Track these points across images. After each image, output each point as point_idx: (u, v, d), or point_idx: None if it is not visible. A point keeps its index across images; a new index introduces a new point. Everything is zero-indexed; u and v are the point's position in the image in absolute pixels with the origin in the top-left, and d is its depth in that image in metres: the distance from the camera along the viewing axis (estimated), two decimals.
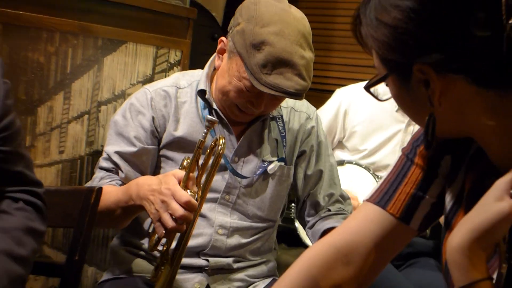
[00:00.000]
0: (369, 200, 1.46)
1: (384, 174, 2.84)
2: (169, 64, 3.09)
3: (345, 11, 3.85)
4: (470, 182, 1.33)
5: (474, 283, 1.12)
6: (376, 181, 2.91)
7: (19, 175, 1.71)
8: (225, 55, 2.20)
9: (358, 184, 2.81)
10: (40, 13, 2.53)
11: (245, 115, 2.22)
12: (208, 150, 1.95)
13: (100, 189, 2.05)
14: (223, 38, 2.22)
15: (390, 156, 2.96)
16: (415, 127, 2.90)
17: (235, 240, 2.27)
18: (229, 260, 2.26)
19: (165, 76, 2.97)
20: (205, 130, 1.92)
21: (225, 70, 2.18)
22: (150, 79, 2.98)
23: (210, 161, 1.97)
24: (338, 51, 3.84)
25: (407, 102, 1.28)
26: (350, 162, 2.95)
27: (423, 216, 1.42)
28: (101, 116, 2.85)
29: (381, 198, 1.44)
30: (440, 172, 1.41)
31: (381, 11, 1.20)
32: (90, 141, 2.82)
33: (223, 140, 1.95)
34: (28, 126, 2.57)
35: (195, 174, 1.94)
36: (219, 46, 2.23)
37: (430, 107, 1.21)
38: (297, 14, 2.15)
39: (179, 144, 2.23)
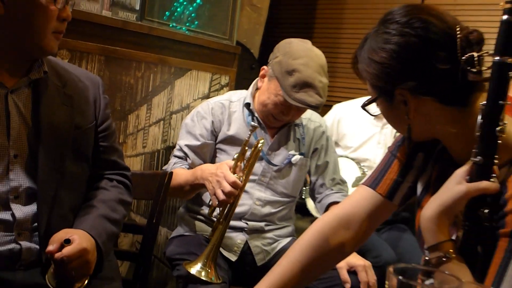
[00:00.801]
0: (364, 183, 1.47)
1: (367, 164, 2.86)
2: (220, 86, 3.09)
3: (346, 49, 3.86)
4: (436, 172, 1.34)
5: (440, 243, 1.13)
6: (359, 169, 2.91)
7: (113, 162, 1.74)
8: (266, 78, 2.24)
9: (347, 171, 2.82)
10: (131, 49, 2.55)
11: (277, 121, 2.26)
12: (253, 148, 1.98)
13: (171, 173, 2.07)
14: (264, 67, 2.26)
15: (370, 151, 2.94)
16: (387, 130, 2.91)
17: (267, 209, 2.27)
18: (262, 224, 2.27)
19: (217, 94, 2.98)
20: (249, 133, 1.96)
21: (265, 89, 2.22)
22: (207, 96, 2.99)
23: (252, 155, 2.00)
24: (341, 77, 3.84)
25: (392, 116, 1.29)
26: (341, 156, 2.95)
27: (402, 195, 1.43)
28: (173, 122, 2.86)
29: (372, 182, 1.45)
30: (415, 164, 1.41)
31: (372, 52, 1.23)
32: (164, 139, 2.83)
33: (263, 141, 2.00)
34: (121, 128, 2.59)
35: (241, 163, 1.97)
36: (261, 72, 2.27)
37: (408, 120, 1.23)
38: (318, 51, 2.20)
39: (230, 140, 2.26)
